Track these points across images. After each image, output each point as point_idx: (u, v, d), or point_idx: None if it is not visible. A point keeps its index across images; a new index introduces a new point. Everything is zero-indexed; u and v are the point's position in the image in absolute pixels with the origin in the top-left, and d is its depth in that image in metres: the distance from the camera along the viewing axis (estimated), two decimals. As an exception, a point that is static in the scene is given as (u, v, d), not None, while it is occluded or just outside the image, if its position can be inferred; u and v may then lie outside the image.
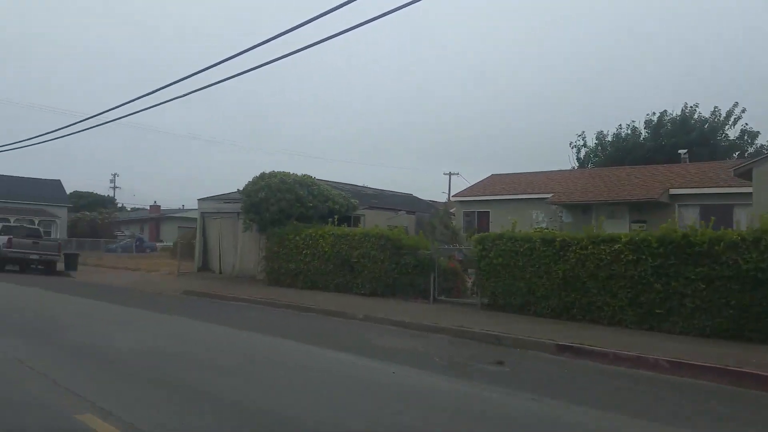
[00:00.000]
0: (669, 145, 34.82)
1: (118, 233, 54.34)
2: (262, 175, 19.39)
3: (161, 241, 52.12)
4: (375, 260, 15.32)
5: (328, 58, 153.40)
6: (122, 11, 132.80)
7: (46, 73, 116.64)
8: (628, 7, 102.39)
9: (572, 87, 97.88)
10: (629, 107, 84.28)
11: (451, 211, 24.13)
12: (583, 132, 41.76)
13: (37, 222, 46.62)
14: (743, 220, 17.89)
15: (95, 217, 53.83)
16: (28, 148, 50.09)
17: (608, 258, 10.69)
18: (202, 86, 14.32)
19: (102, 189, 71.41)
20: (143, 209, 67.56)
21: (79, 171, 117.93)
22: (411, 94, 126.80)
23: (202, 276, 21.64)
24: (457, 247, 16.29)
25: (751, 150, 35.38)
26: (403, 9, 9.78)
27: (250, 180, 19.52)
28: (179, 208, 62.48)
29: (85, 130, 31.11)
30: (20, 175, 52.43)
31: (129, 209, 72.60)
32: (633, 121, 38.68)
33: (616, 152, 37.42)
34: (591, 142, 39.83)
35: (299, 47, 11.68)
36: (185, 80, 14.11)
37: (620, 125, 39.29)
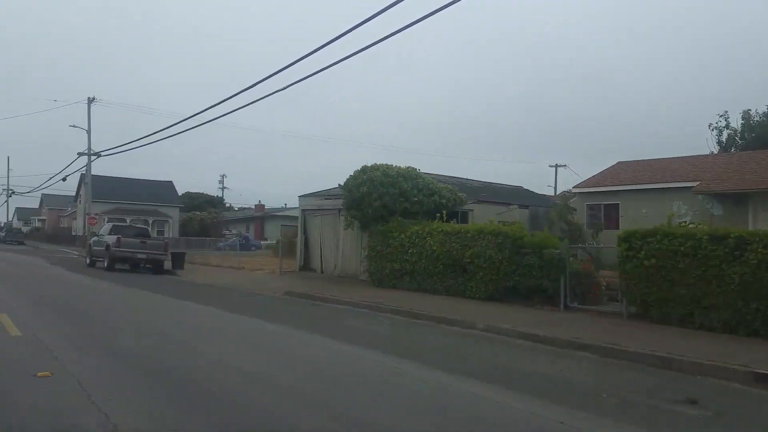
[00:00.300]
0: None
1: (226, 232, 56.04)
2: (364, 169, 18.12)
3: (266, 239, 53.03)
4: (491, 260, 13.51)
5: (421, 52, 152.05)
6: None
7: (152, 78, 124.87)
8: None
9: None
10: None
11: (571, 202, 21.58)
12: (726, 112, 36.89)
13: (151, 222, 48.90)
14: None
15: (205, 217, 55.89)
16: (143, 152, 52.83)
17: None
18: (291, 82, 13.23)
19: (212, 190, 74.50)
20: (249, 208, 69.61)
21: (190, 173, 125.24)
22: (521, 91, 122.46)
23: (303, 275, 20.94)
24: (591, 245, 14.03)
25: None
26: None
27: (351, 174, 18.31)
28: (282, 207, 63.57)
29: (190, 129, 31.65)
30: (135, 177, 55.38)
31: (236, 209, 75.19)
32: None
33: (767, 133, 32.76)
34: (735, 123, 35.22)
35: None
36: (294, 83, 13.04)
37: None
